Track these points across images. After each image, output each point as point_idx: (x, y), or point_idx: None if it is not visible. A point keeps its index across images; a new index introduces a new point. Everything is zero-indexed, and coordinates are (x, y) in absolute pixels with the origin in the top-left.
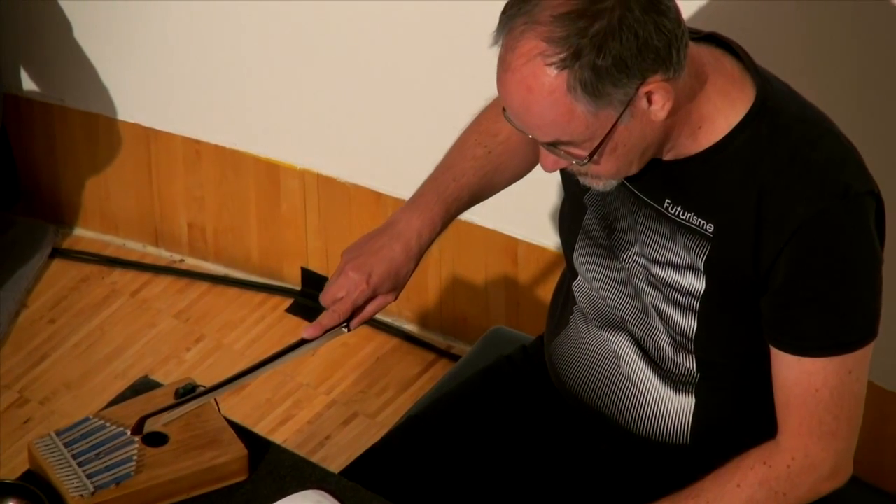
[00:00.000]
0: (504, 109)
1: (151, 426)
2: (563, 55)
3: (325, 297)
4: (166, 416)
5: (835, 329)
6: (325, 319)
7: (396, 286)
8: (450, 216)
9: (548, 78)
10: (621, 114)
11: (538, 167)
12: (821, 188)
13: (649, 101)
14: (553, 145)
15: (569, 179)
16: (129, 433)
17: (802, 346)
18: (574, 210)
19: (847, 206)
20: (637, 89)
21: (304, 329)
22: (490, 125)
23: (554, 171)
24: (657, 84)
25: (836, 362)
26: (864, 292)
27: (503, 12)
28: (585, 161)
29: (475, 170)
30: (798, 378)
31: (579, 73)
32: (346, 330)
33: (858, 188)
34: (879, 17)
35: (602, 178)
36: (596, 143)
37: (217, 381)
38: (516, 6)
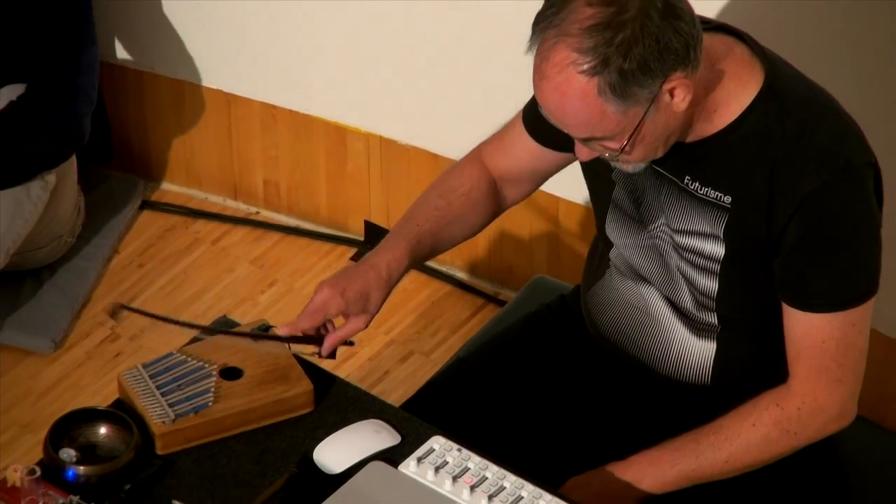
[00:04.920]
0: (541, 108)
1: (121, 317)
2: (592, 63)
3: (300, 317)
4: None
5: (839, 287)
6: (300, 322)
7: (367, 309)
8: (413, 257)
9: (580, 84)
10: (647, 109)
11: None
12: (824, 162)
13: (671, 96)
14: (587, 140)
15: (592, 164)
16: (207, 366)
17: (811, 303)
18: (603, 187)
19: (848, 177)
20: (660, 87)
21: (282, 326)
22: (451, 182)
23: (587, 160)
24: (678, 80)
25: (840, 317)
26: (865, 254)
27: (534, 24)
28: (618, 153)
29: (436, 219)
30: (807, 331)
31: (608, 77)
32: (318, 355)
33: (858, 161)
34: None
35: (631, 163)
36: (626, 137)
37: (205, 325)
38: (546, 20)
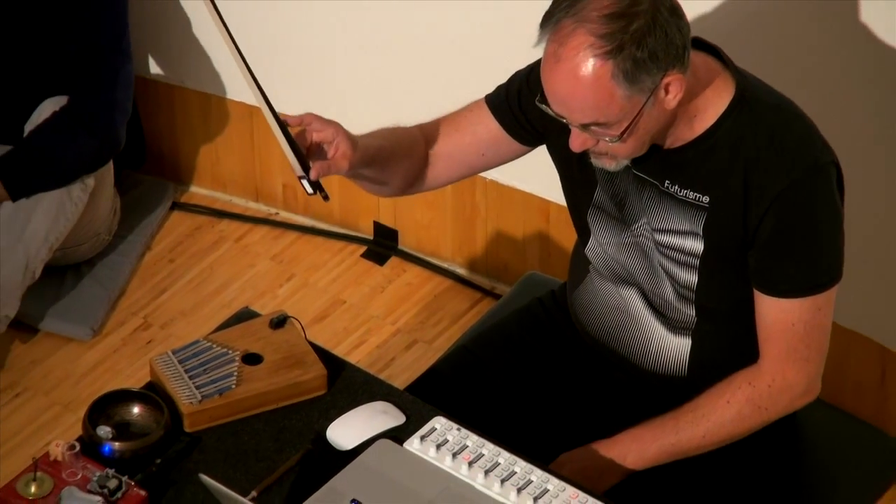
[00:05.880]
0: (539, 100)
1: None
2: (609, 48)
3: (292, 119)
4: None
5: (807, 275)
6: (314, 119)
7: (350, 152)
8: (366, 154)
9: (596, 66)
10: (647, 100)
11: None
12: (794, 162)
13: (666, 92)
14: (588, 126)
15: (570, 165)
16: (230, 353)
17: (781, 290)
18: (584, 188)
19: (815, 175)
20: (661, 80)
21: (298, 116)
22: (399, 131)
23: (580, 150)
24: (674, 77)
25: (808, 301)
26: (831, 244)
27: (547, 18)
28: (616, 139)
29: (386, 146)
30: (777, 315)
31: (621, 63)
32: (305, 180)
33: (823, 160)
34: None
35: (619, 157)
36: (626, 124)
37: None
38: (563, 10)
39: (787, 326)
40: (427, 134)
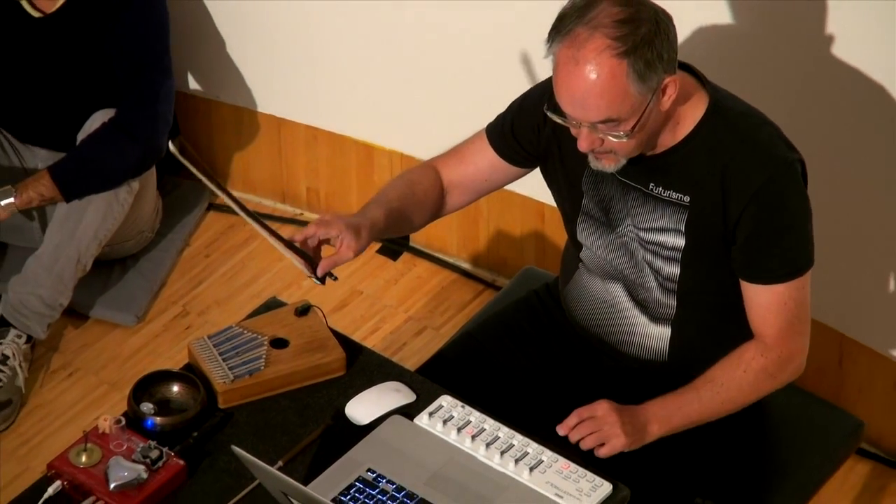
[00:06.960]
0: (548, 110)
1: (182, 151)
2: (624, 48)
3: (309, 226)
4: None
5: (791, 260)
6: (308, 229)
7: (355, 245)
8: (385, 225)
9: (614, 65)
10: (651, 98)
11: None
12: (767, 161)
13: (663, 93)
14: (601, 123)
15: (559, 180)
16: (260, 337)
17: (770, 277)
18: (573, 197)
19: (787, 171)
20: (662, 80)
21: (295, 234)
22: (414, 177)
23: (588, 150)
24: (671, 79)
25: (794, 283)
26: (806, 231)
27: (556, 31)
28: (624, 136)
29: (402, 203)
30: (769, 299)
31: (635, 62)
32: (313, 277)
33: (792, 157)
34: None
35: (620, 155)
36: (633, 122)
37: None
38: (573, 21)
39: (781, 306)
40: (439, 169)
